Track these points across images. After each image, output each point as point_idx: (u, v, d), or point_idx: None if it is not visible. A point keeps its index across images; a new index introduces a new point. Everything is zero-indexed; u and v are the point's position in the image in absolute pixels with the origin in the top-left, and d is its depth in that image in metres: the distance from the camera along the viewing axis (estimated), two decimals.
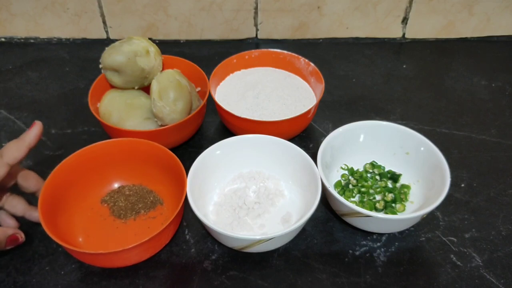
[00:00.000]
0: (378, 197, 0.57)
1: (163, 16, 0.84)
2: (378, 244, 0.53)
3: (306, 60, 0.69)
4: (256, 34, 0.88)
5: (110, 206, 0.56)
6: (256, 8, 0.83)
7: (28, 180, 0.52)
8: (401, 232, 0.54)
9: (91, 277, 0.49)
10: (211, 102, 0.65)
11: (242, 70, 0.73)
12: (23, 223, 0.55)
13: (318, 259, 0.52)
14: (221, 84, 0.70)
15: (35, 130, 0.51)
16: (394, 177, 0.58)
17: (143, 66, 0.62)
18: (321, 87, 0.65)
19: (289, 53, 0.71)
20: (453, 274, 0.50)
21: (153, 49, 0.64)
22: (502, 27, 0.87)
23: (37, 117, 0.70)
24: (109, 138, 0.57)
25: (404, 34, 0.88)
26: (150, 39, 0.78)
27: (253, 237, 0.46)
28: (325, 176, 0.51)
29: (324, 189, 0.51)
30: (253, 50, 0.72)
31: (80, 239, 0.52)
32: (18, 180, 0.51)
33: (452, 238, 0.54)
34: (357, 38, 0.89)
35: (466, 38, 0.89)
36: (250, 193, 0.57)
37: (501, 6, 0.83)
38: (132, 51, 0.61)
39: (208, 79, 0.65)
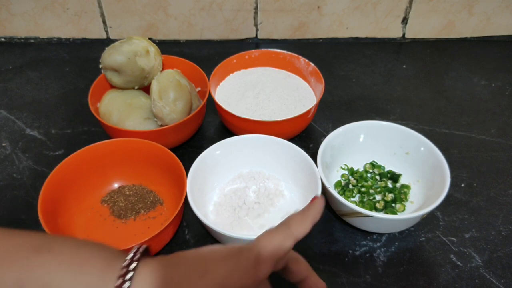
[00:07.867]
0: (378, 197, 0.57)
1: (163, 16, 0.84)
2: (378, 244, 0.53)
3: (306, 60, 0.69)
4: (256, 34, 0.88)
5: (110, 206, 0.56)
6: (256, 8, 0.83)
7: (299, 264, 0.43)
8: (401, 232, 0.54)
9: None
10: (211, 102, 0.65)
11: (242, 70, 0.73)
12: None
13: (318, 259, 0.51)
14: (221, 84, 0.70)
15: (318, 205, 0.44)
16: (394, 177, 0.58)
17: (143, 66, 0.62)
18: (321, 87, 0.65)
19: (289, 53, 0.71)
20: (453, 274, 0.50)
21: (153, 49, 0.64)
22: (502, 27, 0.87)
23: (37, 117, 0.70)
24: (109, 138, 0.57)
25: (404, 34, 0.88)
26: (150, 39, 0.78)
27: (253, 237, 0.46)
28: (325, 176, 0.51)
29: (324, 189, 0.51)
30: (253, 50, 0.72)
31: None
32: (288, 263, 0.43)
33: (452, 238, 0.54)
34: (357, 38, 0.89)
35: (466, 38, 0.89)
36: (250, 193, 0.57)
37: (501, 6, 0.83)
38: (132, 51, 0.61)
39: (208, 79, 0.65)
